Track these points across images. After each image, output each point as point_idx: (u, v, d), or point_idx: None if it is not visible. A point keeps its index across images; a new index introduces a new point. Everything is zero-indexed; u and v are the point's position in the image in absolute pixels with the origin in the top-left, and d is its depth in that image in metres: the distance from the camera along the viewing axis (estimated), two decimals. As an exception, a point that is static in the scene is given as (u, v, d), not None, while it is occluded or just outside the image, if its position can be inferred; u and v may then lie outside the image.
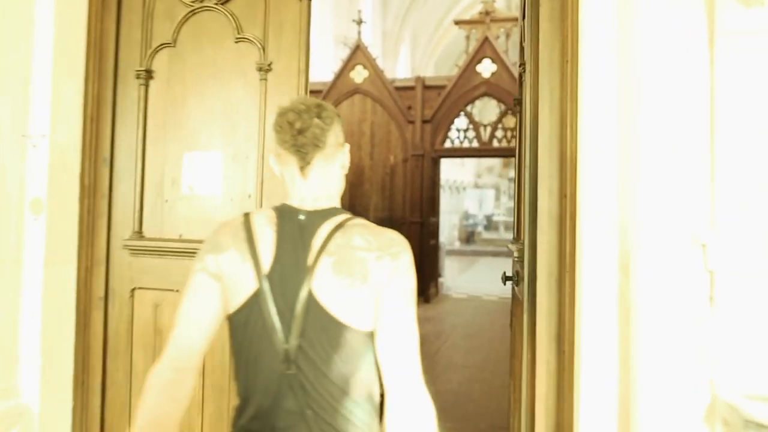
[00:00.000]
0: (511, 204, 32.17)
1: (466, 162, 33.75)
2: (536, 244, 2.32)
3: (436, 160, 10.43)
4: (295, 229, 1.16)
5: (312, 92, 9.90)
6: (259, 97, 2.62)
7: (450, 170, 31.51)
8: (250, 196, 2.55)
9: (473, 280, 13.80)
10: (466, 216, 30.53)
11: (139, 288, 2.67)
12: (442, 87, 10.47)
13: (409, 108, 10.60)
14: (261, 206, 2.57)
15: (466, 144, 10.44)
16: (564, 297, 2.00)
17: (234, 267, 1.14)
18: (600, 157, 1.56)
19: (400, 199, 10.65)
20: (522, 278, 2.49)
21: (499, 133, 10.34)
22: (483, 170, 34.37)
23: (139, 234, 2.63)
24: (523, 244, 2.55)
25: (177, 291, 2.53)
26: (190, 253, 2.21)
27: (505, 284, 3.03)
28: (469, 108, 10.45)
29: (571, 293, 1.80)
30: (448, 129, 10.49)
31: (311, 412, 1.07)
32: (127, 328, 2.63)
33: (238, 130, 2.64)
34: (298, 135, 1.18)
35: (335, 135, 1.27)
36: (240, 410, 1.15)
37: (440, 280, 11.28)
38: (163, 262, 2.62)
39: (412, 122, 10.51)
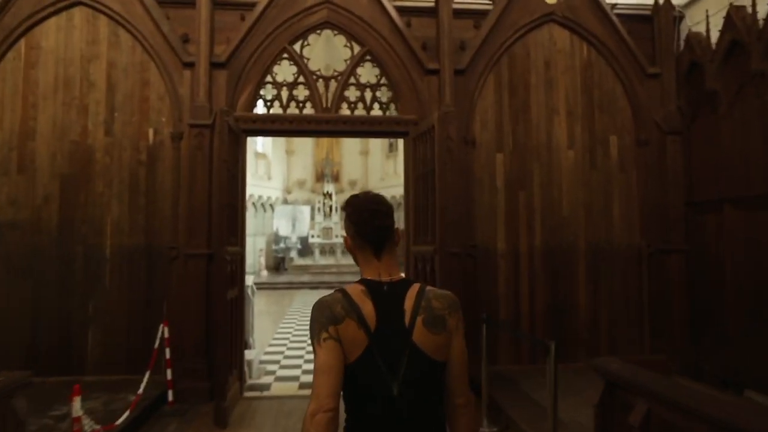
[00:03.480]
0: (328, 223, 28.27)
1: (273, 174, 28.98)
2: None
3: (238, 136, 5.58)
4: (385, 297, 1.59)
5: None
6: None
7: (249, 183, 26.36)
8: None
9: (301, 335, 9.15)
10: (276, 239, 25.51)
11: None
12: (250, 5, 5.75)
13: (186, 40, 5.65)
14: None
15: (293, 110, 5.82)
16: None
17: (350, 331, 1.53)
18: None
19: (168, 211, 5.57)
20: None
21: (351, 94, 5.93)
22: (293, 185, 29.85)
23: None
24: None
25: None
26: None
27: None
28: (297, 46, 5.88)
29: None
30: (262, 82, 5.77)
31: (411, 419, 1.54)
32: None
33: None
34: (374, 230, 1.63)
35: (394, 223, 1.69)
36: (352, 427, 1.58)
37: (247, 355, 6.38)
38: None
39: (190, 66, 5.57)
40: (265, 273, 23.39)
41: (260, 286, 20.08)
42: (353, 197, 1.72)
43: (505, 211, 5.93)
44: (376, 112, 5.97)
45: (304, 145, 28.97)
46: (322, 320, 1.53)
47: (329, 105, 5.82)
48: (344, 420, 1.58)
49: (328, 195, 27.06)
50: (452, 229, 5.19)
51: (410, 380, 1.52)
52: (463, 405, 1.62)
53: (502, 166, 5.97)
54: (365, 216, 1.63)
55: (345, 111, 5.87)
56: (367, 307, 1.55)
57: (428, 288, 1.63)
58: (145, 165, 5.58)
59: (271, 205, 26.23)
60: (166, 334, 5.01)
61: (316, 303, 1.59)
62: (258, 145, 27.21)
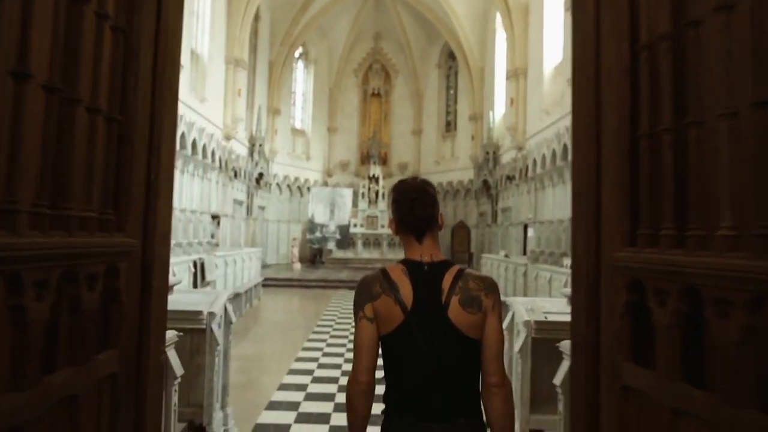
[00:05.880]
0: (373, 211, 24.56)
1: (312, 154, 25.52)
2: None
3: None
4: (424, 276, 1.73)
5: None
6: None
7: (283, 163, 22.81)
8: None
9: (328, 375, 5.76)
10: (311, 226, 22.04)
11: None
12: None
13: None
14: None
15: None
16: None
17: (386, 307, 1.70)
18: None
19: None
20: None
21: None
22: (334, 167, 26.19)
23: None
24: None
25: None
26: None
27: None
28: None
29: None
30: None
31: (445, 391, 1.68)
32: None
33: None
34: (415, 218, 1.77)
35: (438, 211, 1.83)
36: (391, 396, 1.74)
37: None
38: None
39: None
40: (298, 266, 20.13)
41: (290, 282, 16.88)
42: (400, 182, 1.86)
43: None
44: None
45: (349, 121, 25.58)
46: (361, 299, 1.75)
47: None
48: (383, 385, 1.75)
49: (374, 179, 23.50)
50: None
51: (446, 353, 1.67)
52: (495, 384, 1.70)
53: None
54: (407, 204, 1.77)
55: None
56: (405, 286, 1.71)
57: (467, 270, 1.76)
58: None
59: (309, 189, 22.94)
60: None
61: (359, 282, 1.80)
62: (296, 120, 24.01)
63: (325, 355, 7.34)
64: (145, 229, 2.17)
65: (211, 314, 3.64)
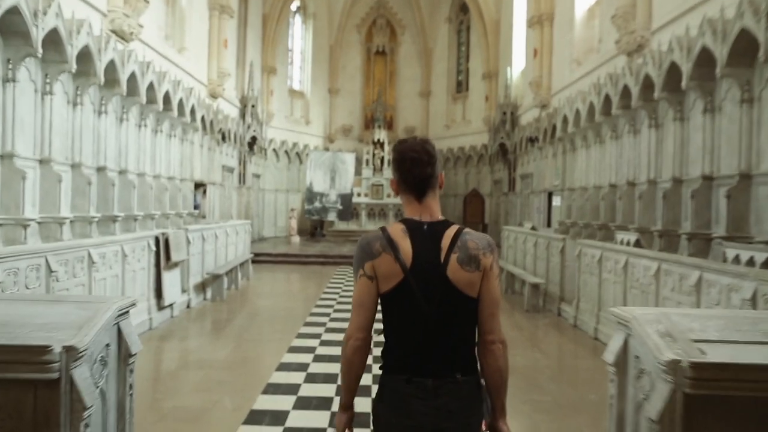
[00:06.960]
0: (378, 179, 22.65)
1: (312, 117, 23.49)
2: None
3: None
4: (424, 236, 1.73)
5: None
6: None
7: (280, 127, 20.92)
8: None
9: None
10: (310, 195, 20.43)
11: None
12: None
13: None
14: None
15: None
16: None
17: (386, 265, 1.71)
18: None
19: None
20: None
21: None
22: (336, 131, 24.11)
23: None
24: None
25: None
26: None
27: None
28: None
29: None
30: None
31: (442, 347, 1.71)
32: None
33: None
34: (414, 178, 1.76)
35: (438, 170, 1.82)
36: (390, 352, 1.77)
37: None
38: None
39: None
40: (296, 239, 18.39)
41: (284, 259, 15.14)
42: (399, 142, 1.84)
43: None
44: None
45: (351, 82, 23.50)
46: (361, 256, 1.75)
47: None
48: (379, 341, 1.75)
49: (379, 144, 21.55)
50: None
51: (443, 311, 1.69)
52: (492, 342, 1.75)
53: None
54: (407, 164, 1.77)
55: None
56: (405, 245, 1.72)
57: (465, 229, 1.77)
58: None
59: (306, 154, 21.02)
60: None
61: (359, 241, 1.80)
62: (294, 80, 21.95)
63: (318, 359, 5.66)
64: None
65: (71, 350, 1.90)
